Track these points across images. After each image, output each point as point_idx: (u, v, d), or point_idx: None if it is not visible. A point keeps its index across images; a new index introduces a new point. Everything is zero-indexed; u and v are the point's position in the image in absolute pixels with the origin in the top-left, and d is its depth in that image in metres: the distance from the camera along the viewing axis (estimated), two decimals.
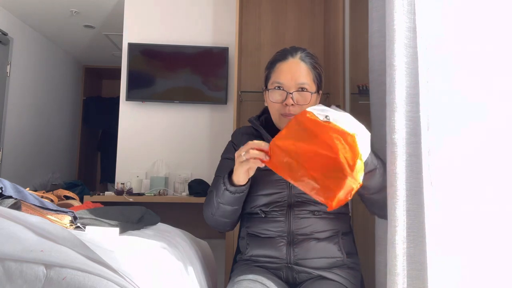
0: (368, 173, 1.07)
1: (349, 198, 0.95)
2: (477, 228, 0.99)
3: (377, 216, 1.23)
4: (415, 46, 1.07)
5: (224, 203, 1.17)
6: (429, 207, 1.00)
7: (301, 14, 2.85)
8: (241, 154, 1.04)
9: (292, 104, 1.20)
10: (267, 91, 1.28)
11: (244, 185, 1.12)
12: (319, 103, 1.31)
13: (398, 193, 1.04)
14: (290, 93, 1.20)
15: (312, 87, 1.24)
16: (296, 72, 1.22)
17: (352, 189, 0.93)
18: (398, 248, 1.03)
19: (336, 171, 0.93)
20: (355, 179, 0.92)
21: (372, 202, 1.18)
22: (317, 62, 1.28)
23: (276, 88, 1.23)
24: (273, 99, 1.24)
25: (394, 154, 1.05)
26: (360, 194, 1.18)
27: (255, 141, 1.04)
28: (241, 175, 1.08)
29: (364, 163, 0.98)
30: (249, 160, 1.03)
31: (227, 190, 1.13)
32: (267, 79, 1.29)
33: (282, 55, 1.26)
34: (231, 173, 1.14)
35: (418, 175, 1.03)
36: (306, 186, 0.97)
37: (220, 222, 1.24)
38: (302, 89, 1.21)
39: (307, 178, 0.96)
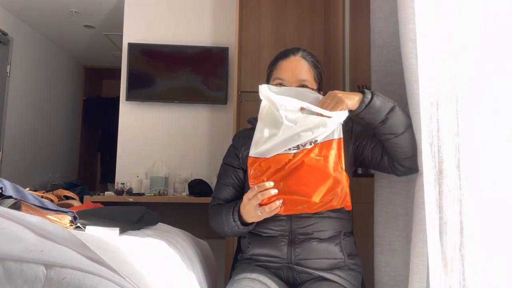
0: (388, 113, 1.08)
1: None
2: (475, 228, 0.99)
3: (403, 172, 1.16)
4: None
5: (233, 233, 1.22)
6: (429, 207, 1.00)
7: (301, 14, 2.85)
8: (250, 198, 1.07)
9: None
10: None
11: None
12: None
13: (426, 195, 1.03)
14: None
15: (313, 84, 1.24)
16: (297, 68, 1.23)
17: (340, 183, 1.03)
18: (419, 247, 1.04)
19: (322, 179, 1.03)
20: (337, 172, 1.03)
21: (398, 148, 1.11)
22: (318, 61, 1.29)
23: (278, 84, 1.23)
24: None
25: (428, 157, 1.04)
26: (386, 145, 1.14)
27: (260, 185, 1.05)
28: (252, 212, 1.09)
29: (376, 106, 1.06)
30: (257, 195, 1.05)
31: (238, 228, 1.17)
32: (268, 77, 1.30)
33: (284, 53, 1.28)
34: (235, 206, 1.18)
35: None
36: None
37: (225, 235, 1.27)
38: (303, 86, 1.22)
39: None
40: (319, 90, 1.27)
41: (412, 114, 1.09)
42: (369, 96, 1.06)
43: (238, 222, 1.15)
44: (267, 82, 1.31)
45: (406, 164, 1.12)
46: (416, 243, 1.05)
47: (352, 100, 1.05)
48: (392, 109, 1.08)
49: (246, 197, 1.09)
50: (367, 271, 1.39)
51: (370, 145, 1.21)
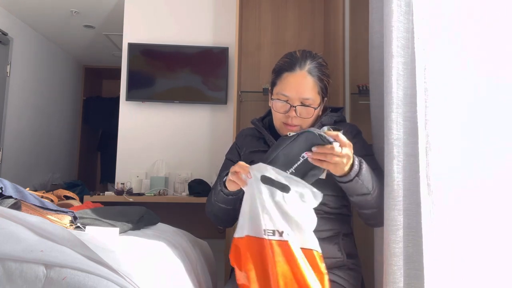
0: (361, 195, 1.10)
1: None
2: (474, 228, 0.99)
3: (370, 226, 1.26)
4: (412, 46, 1.07)
5: (219, 202, 1.22)
6: (425, 207, 1.00)
7: (301, 14, 2.85)
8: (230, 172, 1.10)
9: (295, 116, 1.22)
10: (271, 99, 1.29)
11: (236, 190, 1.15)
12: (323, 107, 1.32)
13: (395, 193, 1.04)
14: (293, 106, 1.21)
15: (316, 101, 1.23)
16: (301, 86, 1.21)
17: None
18: (392, 247, 1.03)
19: None
20: None
21: (368, 217, 1.20)
22: (324, 73, 1.25)
23: (281, 100, 1.23)
24: (276, 109, 1.25)
25: (391, 154, 1.06)
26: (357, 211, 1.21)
27: (242, 166, 1.06)
28: (230, 186, 1.13)
29: (351, 185, 1.06)
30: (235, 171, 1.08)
31: (222, 192, 1.19)
32: (273, 84, 1.29)
33: (290, 65, 1.24)
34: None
35: (417, 175, 1.03)
36: None
37: (217, 218, 1.30)
38: (305, 104, 1.22)
39: None
40: (323, 100, 1.27)
41: (388, 113, 1.09)
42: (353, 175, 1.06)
43: (223, 186, 1.17)
44: (272, 88, 1.30)
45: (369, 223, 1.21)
46: (389, 244, 1.05)
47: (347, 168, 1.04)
48: (365, 195, 1.11)
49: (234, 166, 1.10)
50: (367, 271, 1.39)
51: None
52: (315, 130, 1.02)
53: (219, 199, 1.21)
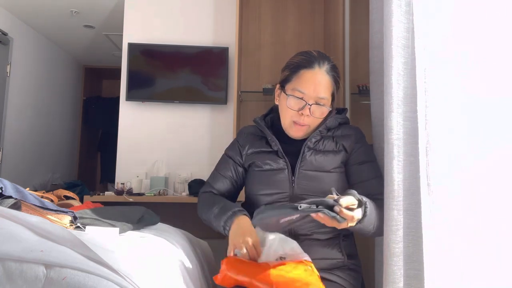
0: (360, 230, 1.09)
1: None
2: (474, 228, 0.99)
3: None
4: (413, 46, 1.07)
5: (214, 228, 1.23)
6: (425, 207, 1.00)
7: (301, 14, 2.85)
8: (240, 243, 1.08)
9: (308, 115, 1.21)
10: (283, 93, 1.26)
11: None
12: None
13: (395, 193, 1.04)
14: (309, 104, 1.20)
15: (329, 101, 1.23)
16: (319, 84, 1.20)
17: None
18: (392, 247, 1.03)
19: None
20: None
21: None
22: (338, 75, 1.26)
23: (297, 96, 1.21)
24: (290, 106, 1.23)
25: (390, 154, 1.06)
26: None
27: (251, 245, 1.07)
28: (238, 236, 1.11)
29: (351, 227, 1.03)
30: (245, 248, 1.07)
31: (224, 231, 1.18)
32: (286, 80, 1.26)
33: (309, 62, 1.23)
34: (236, 212, 1.17)
35: (417, 175, 1.03)
36: None
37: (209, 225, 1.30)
38: (320, 104, 1.21)
39: None
40: (332, 102, 1.26)
41: (388, 113, 1.09)
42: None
43: (227, 230, 1.16)
44: (284, 84, 1.27)
45: None
46: (389, 244, 1.05)
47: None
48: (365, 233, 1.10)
49: (251, 237, 1.09)
50: (367, 271, 1.39)
51: (351, 176, 1.24)
52: (328, 212, 0.94)
53: (215, 228, 1.22)
